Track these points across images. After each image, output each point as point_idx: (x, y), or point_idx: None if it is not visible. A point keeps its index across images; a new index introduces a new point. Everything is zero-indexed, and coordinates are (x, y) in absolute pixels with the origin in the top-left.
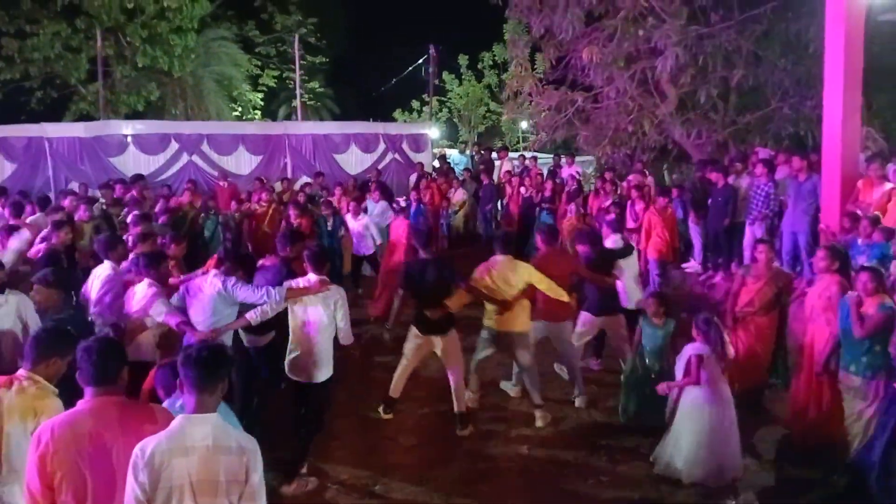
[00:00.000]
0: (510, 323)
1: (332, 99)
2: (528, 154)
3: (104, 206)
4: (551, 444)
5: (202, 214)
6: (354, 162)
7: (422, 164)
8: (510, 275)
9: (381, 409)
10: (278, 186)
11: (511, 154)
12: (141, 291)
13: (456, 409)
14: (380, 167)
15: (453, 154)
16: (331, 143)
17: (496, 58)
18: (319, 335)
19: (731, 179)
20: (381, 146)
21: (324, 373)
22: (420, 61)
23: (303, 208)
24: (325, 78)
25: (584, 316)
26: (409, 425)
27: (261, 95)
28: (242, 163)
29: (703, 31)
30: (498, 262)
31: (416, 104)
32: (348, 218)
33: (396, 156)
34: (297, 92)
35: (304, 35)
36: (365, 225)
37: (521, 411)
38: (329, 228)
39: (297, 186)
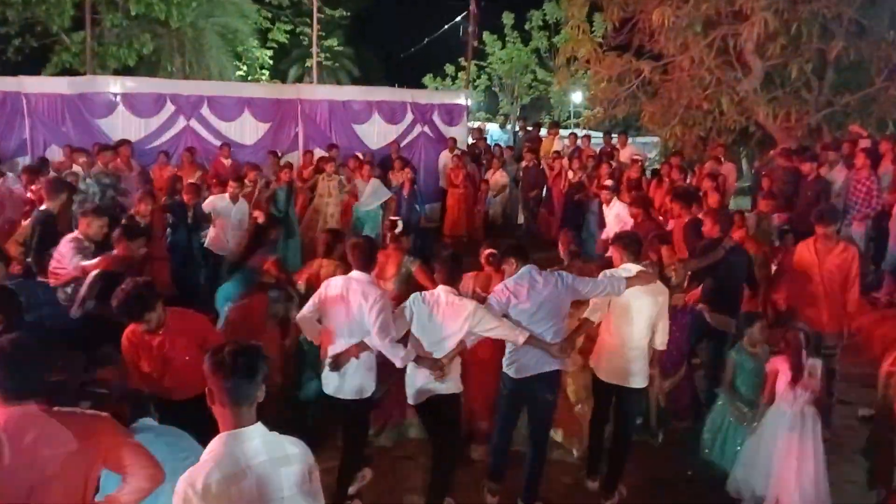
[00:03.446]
0: None
1: (352, 60)
2: (579, 132)
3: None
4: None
5: (167, 214)
6: (376, 134)
7: (454, 140)
8: None
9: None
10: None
11: (561, 132)
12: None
13: None
14: (404, 142)
15: (492, 129)
16: (350, 111)
17: (547, 17)
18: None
19: (823, 171)
20: (409, 117)
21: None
22: (457, 18)
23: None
24: (344, 35)
25: None
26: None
27: (270, 53)
28: (247, 130)
29: None
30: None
31: (450, 69)
32: None
33: (426, 129)
34: (313, 50)
35: None
36: None
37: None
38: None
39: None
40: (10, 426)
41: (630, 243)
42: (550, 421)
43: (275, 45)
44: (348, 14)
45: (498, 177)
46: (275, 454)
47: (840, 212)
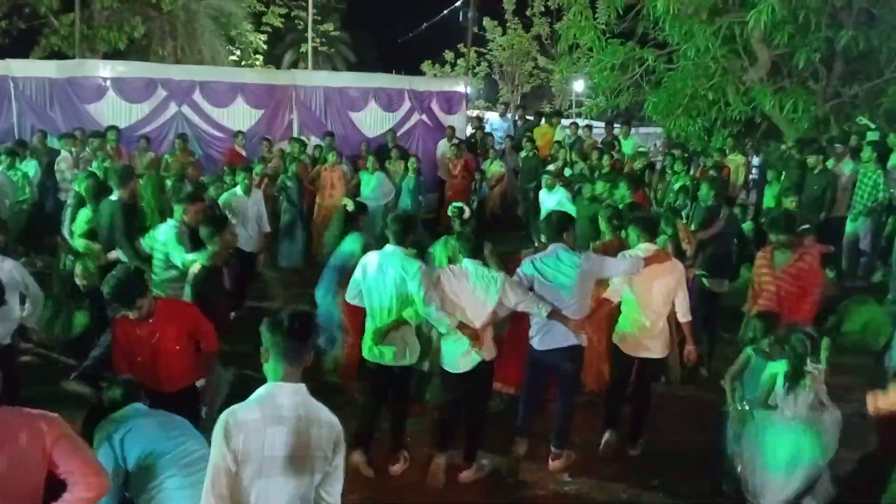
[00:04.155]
0: None
1: (349, 45)
2: (581, 122)
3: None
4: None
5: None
6: (373, 122)
7: (453, 129)
8: None
9: None
10: (286, 148)
11: (562, 121)
12: None
13: None
14: (402, 130)
15: (492, 118)
16: (346, 98)
17: (549, 3)
18: None
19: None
20: (406, 104)
21: None
22: (457, 3)
23: None
24: (340, 19)
25: None
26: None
27: (264, 37)
28: (240, 117)
29: None
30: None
31: (449, 55)
32: None
33: (424, 117)
34: (309, 34)
35: None
36: None
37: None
38: None
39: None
40: None
41: (647, 224)
42: (576, 383)
43: (269, 30)
44: None
45: (496, 167)
46: (312, 414)
47: (797, 218)
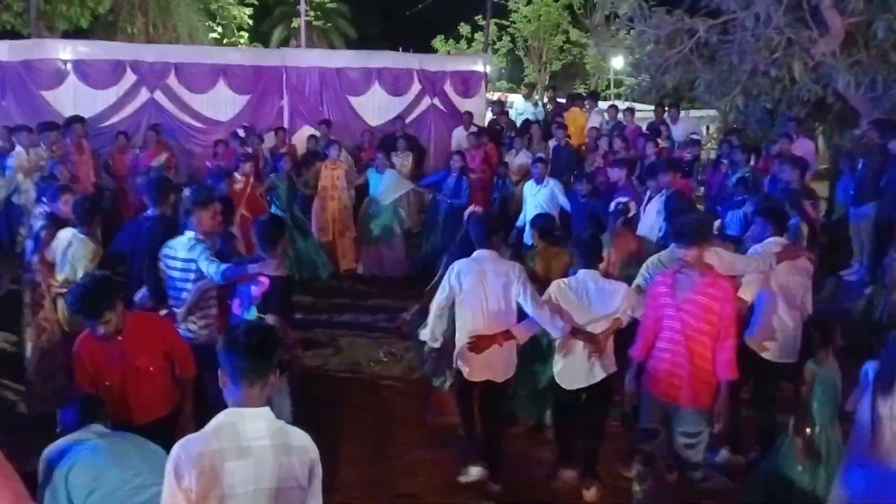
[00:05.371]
0: None
1: (348, 19)
2: (621, 104)
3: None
4: None
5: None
6: (377, 107)
7: (470, 115)
8: None
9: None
10: (269, 140)
11: (600, 104)
12: None
13: None
14: (410, 117)
15: (516, 101)
16: (345, 80)
17: None
18: None
19: None
20: (416, 87)
21: None
22: None
23: None
24: None
25: None
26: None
27: (249, 11)
28: (222, 104)
29: None
30: None
31: (465, 29)
32: None
33: (436, 101)
34: (301, 7)
35: None
36: None
37: None
38: None
39: (296, 140)
40: None
41: (776, 216)
42: None
43: (255, 2)
44: None
45: (522, 159)
46: (280, 441)
47: (711, 227)
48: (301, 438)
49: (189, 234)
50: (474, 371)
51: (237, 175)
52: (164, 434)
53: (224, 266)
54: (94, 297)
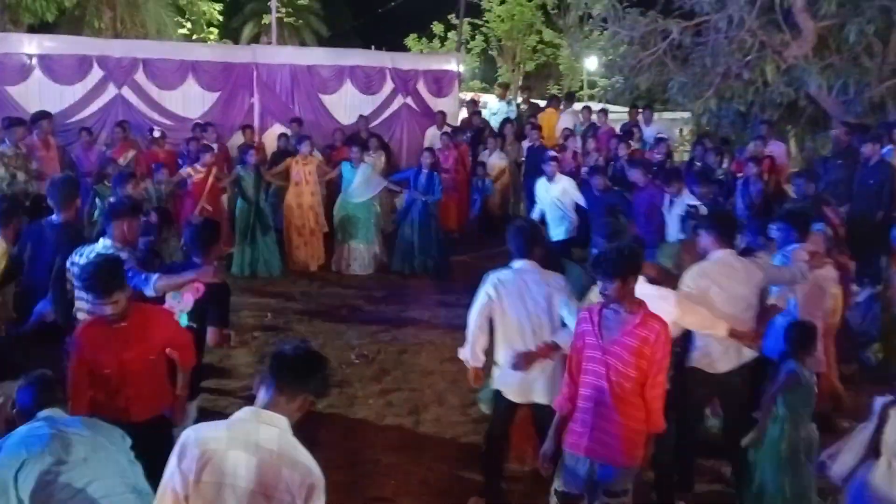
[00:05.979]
0: None
1: (320, 16)
2: (595, 105)
3: None
4: None
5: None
6: (348, 106)
7: (444, 114)
8: None
9: None
10: (237, 139)
11: (574, 106)
12: None
13: None
14: (383, 116)
15: (489, 101)
16: (317, 78)
17: None
18: None
19: (885, 153)
20: (388, 86)
21: None
22: None
23: None
24: None
25: None
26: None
27: (220, 7)
28: (191, 101)
29: None
30: None
31: (438, 28)
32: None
33: (409, 100)
34: (272, 3)
35: None
36: None
37: None
38: None
39: (266, 138)
40: None
41: (800, 222)
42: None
43: None
44: None
45: (496, 159)
46: (286, 453)
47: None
48: (309, 459)
49: (105, 241)
50: (516, 392)
51: (197, 167)
52: (159, 436)
53: (154, 276)
54: (107, 275)
